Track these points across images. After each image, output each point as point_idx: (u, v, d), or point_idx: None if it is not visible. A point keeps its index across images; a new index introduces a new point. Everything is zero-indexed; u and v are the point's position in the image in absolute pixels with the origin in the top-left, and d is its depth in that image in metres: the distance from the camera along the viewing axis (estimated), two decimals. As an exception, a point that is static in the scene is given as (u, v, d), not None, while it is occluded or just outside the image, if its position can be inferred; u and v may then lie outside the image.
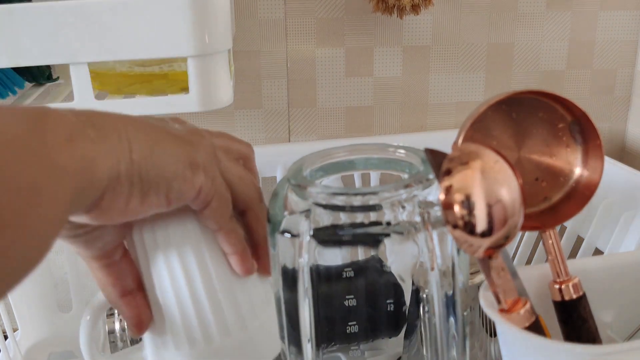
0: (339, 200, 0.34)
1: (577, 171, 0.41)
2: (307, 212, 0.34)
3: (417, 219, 0.34)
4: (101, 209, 0.30)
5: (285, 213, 0.35)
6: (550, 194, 0.41)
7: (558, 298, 0.40)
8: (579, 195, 0.40)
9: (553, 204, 0.41)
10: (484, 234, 0.32)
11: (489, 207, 0.32)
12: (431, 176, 0.36)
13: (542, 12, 0.77)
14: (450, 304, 0.36)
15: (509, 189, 0.33)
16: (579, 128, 0.40)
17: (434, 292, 0.36)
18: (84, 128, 0.28)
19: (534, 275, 0.41)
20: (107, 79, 0.58)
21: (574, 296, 0.40)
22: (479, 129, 0.39)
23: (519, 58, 0.79)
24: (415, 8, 0.67)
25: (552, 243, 0.40)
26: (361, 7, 0.73)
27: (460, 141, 0.38)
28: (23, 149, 0.25)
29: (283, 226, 0.35)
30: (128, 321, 0.36)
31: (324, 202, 0.35)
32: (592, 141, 0.40)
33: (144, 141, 0.30)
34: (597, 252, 0.65)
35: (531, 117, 0.40)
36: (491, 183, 0.32)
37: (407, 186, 0.34)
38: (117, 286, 0.36)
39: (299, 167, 0.38)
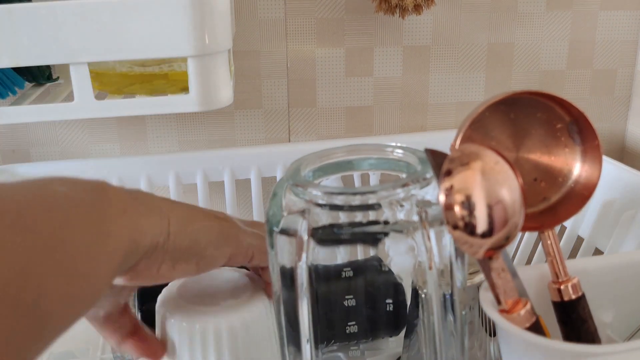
0: (337, 200, 0.34)
1: (576, 171, 0.41)
2: (305, 212, 0.34)
3: (415, 217, 0.34)
4: (136, 272, 0.34)
5: (284, 213, 0.35)
6: (549, 194, 0.41)
7: (557, 299, 0.40)
8: (578, 196, 0.40)
9: (552, 204, 0.41)
10: (485, 235, 0.32)
11: (490, 207, 0.32)
12: (429, 175, 0.36)
13: (542, 12, 0.77)
14: (448, 303, 0.36)
15: (509, 190, 0.33)
16: (577, 128, 0.40)
17: (432, 291, 0.36)
18: (136, 204, 0.33)
19: (534, 276, 0.41)
20: (107, 79, 0.58)
21: (573, 297, 0.40)
22: (478, 129, 0.39)
23: (519, 58, 0.79)
24: (417, 8, 0.67)
25: (551, 243, 0.40)
26: (361, 7, 0.73)
27: (458, 142, 0.38)
28: (88, 213, 0.30)
29: (281, 226, 0.35)
30: (141, 356, 0.39)
31: (322, 202, 0.35)
32: (591, 141, 0.40)
33: (180, 217, 0.35)
34: (597, 252, 0.65)
35: (529, 118, 0.40)
36: (492, 184, 0.32)
37: (404, 185, 0.35)
38: (117, 334, 0.39)
39: (298, 167, 0.38)
